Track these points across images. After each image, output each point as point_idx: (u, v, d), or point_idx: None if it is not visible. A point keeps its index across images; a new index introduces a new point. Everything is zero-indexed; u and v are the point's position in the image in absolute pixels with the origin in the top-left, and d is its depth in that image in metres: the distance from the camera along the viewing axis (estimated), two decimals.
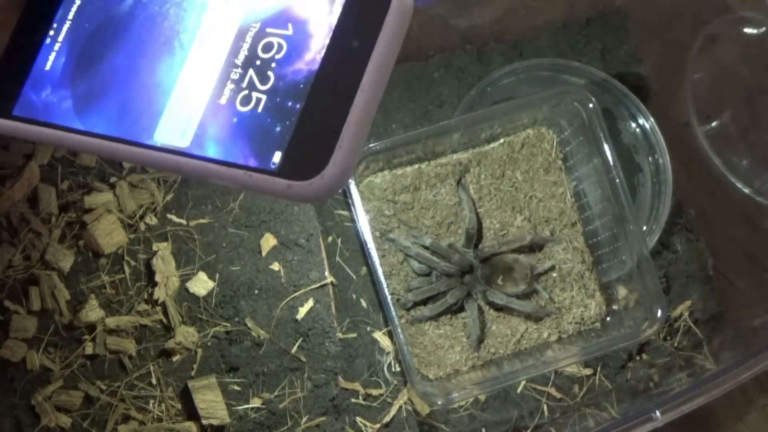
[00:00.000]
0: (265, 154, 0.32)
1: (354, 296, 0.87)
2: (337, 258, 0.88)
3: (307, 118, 0.32)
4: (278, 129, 0.32)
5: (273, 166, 0.32)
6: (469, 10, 0.86)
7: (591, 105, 0.83)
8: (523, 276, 0.85)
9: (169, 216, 0.85)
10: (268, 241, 0.86)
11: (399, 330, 0.80)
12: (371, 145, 0.82)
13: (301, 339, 0.84)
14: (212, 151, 0.33)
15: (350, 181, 0.82)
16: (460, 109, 0.89)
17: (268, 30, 0.34)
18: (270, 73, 0.34)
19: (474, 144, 0.89)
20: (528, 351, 0.87)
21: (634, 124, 0.93)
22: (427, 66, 0.91)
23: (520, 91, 0.91)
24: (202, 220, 0.86)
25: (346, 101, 0.30)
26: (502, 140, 0.90)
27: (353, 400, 0.84)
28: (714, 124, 0.90)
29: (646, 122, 0.92)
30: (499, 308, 0.88)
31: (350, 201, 0.85)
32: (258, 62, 0.34)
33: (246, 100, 0.34)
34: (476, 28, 0.90)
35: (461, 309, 0.87)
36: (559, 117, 0.88)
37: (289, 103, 0.32)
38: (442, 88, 0.90)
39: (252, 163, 0.32)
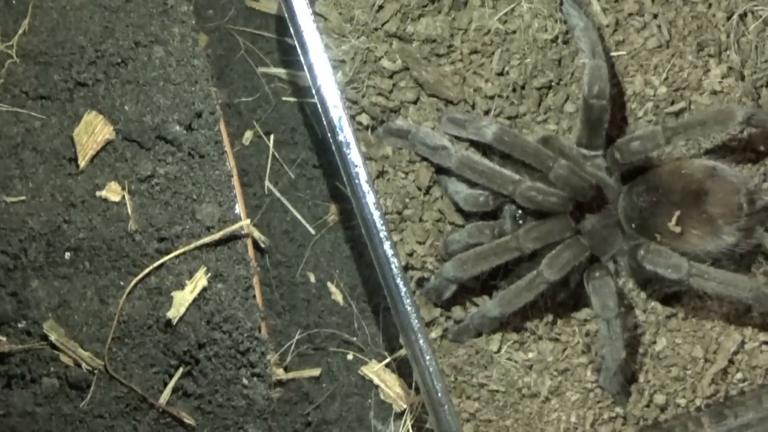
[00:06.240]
0: None
1: (309, 275, 0.67)
2: (266, 183, 0.68)
3: None
4: None
5: None
6: None
7: None
8: (729, 210, 0.62)
9: None
10: (92, 130, 0.64)
11: (428, 359, 0.61)
12: None
13: (181, 370, 0.62)
14: None
15: None
16: None
17: None
18: None
19: None
20: (743, 402, 0.65)
21: None
22: None
23: None
24: None
25: None
26: None
27: None
28: None
29: None
30: (669, 294, 0.66)
31: (298, 39, 0.62)
32: None
33: None
34: None
35: (576, 294, 0.63)
36: None
37: None
38: None
39: None
